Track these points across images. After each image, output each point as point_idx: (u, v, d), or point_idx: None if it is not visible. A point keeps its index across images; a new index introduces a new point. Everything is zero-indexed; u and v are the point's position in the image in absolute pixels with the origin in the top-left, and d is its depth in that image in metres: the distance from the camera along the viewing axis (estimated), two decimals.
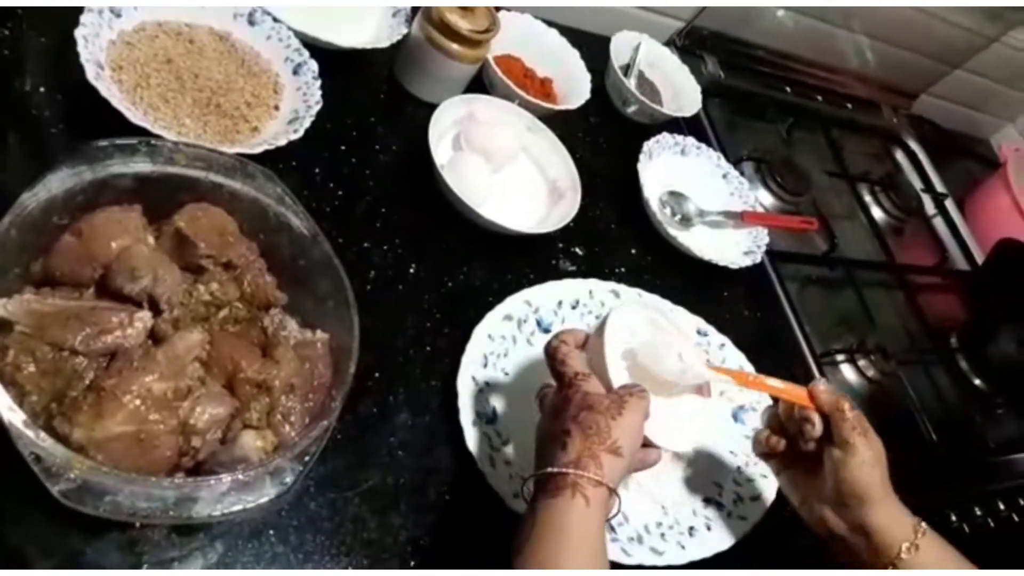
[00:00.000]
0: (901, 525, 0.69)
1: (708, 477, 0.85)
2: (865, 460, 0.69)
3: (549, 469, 0.59)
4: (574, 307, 0.90)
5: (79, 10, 0.72)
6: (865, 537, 0.69)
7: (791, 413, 0.73)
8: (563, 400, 0.64)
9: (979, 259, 1.51)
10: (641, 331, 0.72)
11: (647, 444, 0.65)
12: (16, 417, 0.47)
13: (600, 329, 0.68)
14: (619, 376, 0.66)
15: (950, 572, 0.70)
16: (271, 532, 0.62)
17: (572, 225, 0.94)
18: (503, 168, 0.96)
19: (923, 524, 0.70)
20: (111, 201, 0.60)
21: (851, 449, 0.69)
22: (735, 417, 0.91)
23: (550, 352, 0.68)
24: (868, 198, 1.48)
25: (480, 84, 1.02)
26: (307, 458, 0.55)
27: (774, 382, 0.73)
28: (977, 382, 1.29)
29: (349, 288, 0.64)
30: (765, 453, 0.77)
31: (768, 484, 0.85)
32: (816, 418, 0.70)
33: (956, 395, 1.26)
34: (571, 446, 0.59)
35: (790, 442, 0.74)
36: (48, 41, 0.74)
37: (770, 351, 1.05)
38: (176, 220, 0.62)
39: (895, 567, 0.68)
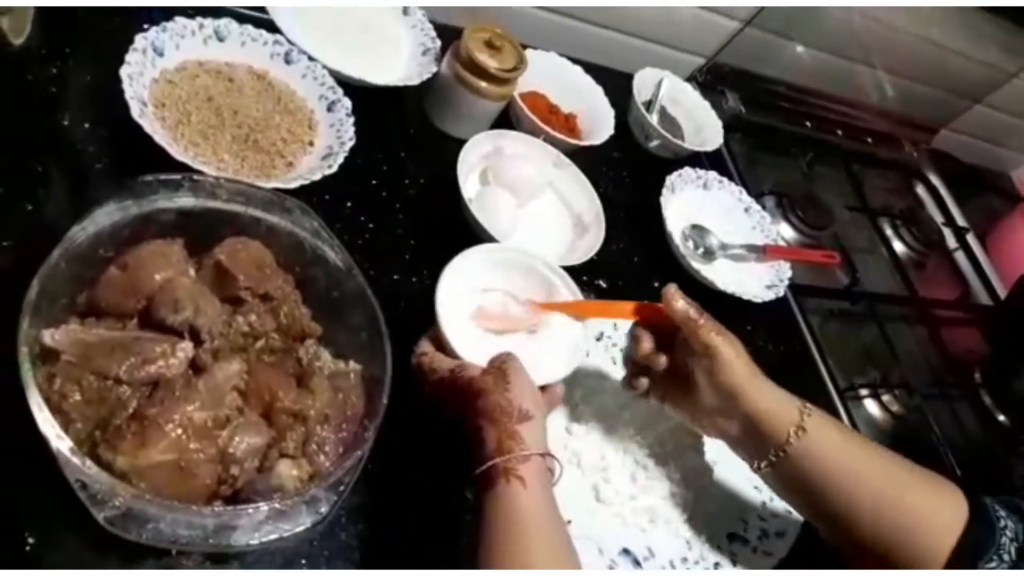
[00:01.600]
0: (785, 410, 0.70)
1: (733, 512, 0.85)
2: (730, 358, 0.70)
3: (477, 470, 0.60)
4: (598, 339, 0.91)
5: (124, 49, 0.74)
6: (756, 430, 0.70)
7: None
8: (456, 399, 0.65)
9: (1001, 293, 1.51)
10: (487, 279, 0.78)
11: (542, 389, 0.68)
12: (64, 445, 0.48)
13: (435, 315, 0.71)
14: (465, 346, 0.70)
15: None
16: (303, 561, 0.63)
17: (596, 258, 0.95)
18: (529, 202, 0.98)
19: (807, 405, 0.71)
20: (155, 235, 0.62)
21: (714, 351, 0.70)
22: None
23: (417, 369, 0.70)
24: (889, 232, 1.48)
25: (507, 120, 1.04)
26: (342, 487, 0.56)
27: (605, 304, 0.78)
28: (1001, 417, 1.28)
29: (382, 319, 0.65)
30: (637, 392, 0.78)
31: (794, 520, 0.85)
32: (644, 335, 0.75)
33: (980, 430, 1.25)
34: (487, 437, 0.61)
35: (652, 371, 0.76)
36: (94, 79, 0.77)
37: (793, 385, 1.05)
38: (216, 253, 0.63)
39: (786, 453, 0.69)
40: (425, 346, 0.71)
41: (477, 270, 0.78)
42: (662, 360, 0.75)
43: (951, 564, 0.64)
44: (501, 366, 0.65)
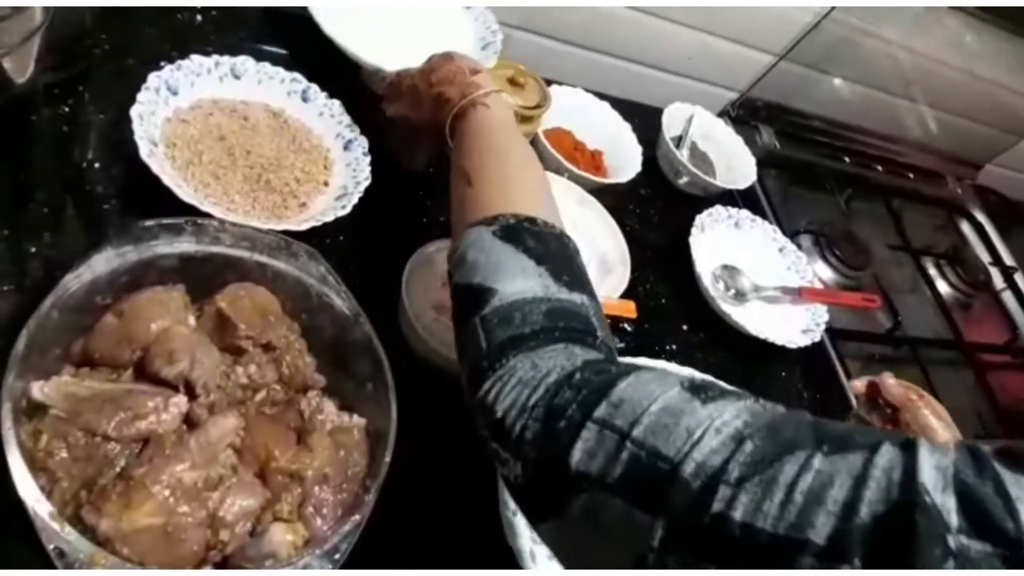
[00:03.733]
0: None
1: None
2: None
3: (450, 115, 0.67)
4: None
5: (138, 87, 0.73)
6: None
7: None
8: (413, 90, 0.74)
9: None
10: None
11: None
12: (42, 509, 0.46)
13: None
14: None
15: None
16: None
17: (621, 300, 0.91)
18: None
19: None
20: (155, 281, 0.60)
21: (933, 434, 0.75)
22: None
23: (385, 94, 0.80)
24: (933, 272, 1.42)
25: None
26: (337, 555, 0.52)
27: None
28: None
29: (388, 370, 0.62)
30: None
31: None
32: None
33: None
34: (450, 94, 0.68)
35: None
36: (106, 117, 0.76)
37: None
38: (218, 300, 0.61)
39: None
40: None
41: None
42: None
43: None
44: (439, 53, 0.74)
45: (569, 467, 0.40)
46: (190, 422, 0.56)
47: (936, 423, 0.76)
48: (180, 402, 0.54)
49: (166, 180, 0.68)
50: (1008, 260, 1.54)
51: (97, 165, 0.73)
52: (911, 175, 1.58)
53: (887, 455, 0.33)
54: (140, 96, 0.72)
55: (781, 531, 0.33)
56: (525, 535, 0.69)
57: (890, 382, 0.80)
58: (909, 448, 0.33)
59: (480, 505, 0.71)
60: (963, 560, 0.30)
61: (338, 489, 0.57)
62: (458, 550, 0.69)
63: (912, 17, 1.30)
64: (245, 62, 0.82)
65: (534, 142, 0.99)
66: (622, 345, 0.94)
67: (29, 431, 0.51)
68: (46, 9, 0.58)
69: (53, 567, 0.46)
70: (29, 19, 0.57)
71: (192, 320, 0.61)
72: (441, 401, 0.77)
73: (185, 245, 0.61)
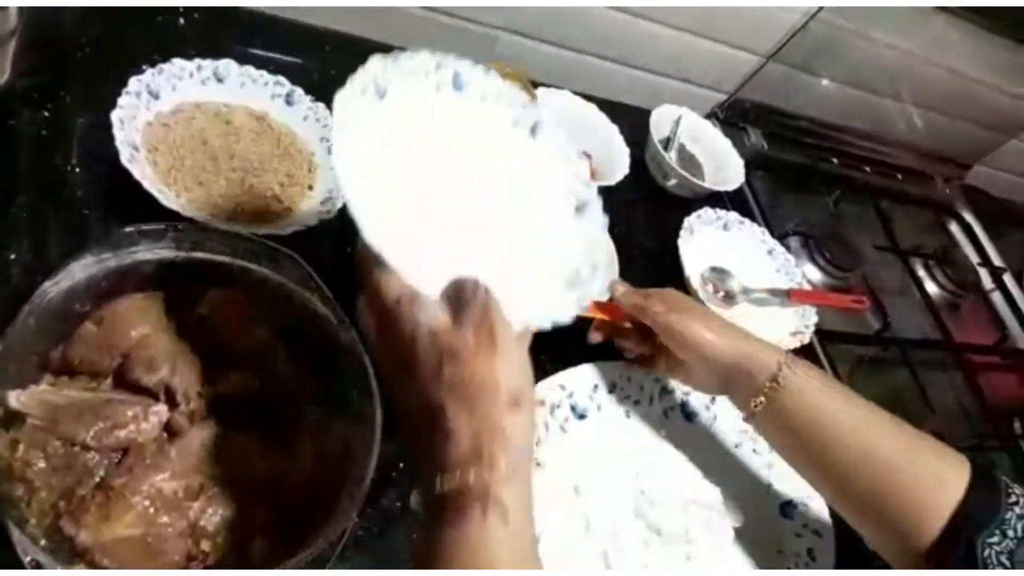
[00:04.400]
0: (762, 358, 0.71)
1: None
2: (687, 325, 0.72)
3: (440, 486, 0.42)
4: (611, 391, 0.86)
5: (118, 91, 0.72)
6: (736, 380, 0.73)
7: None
8: (401, 350, 0.45)
9: None
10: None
11: None
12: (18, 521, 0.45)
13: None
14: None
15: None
16: None
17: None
18: None
19: (789, 354, 0.71)
20: (135, 288, 0.60)
21: (670, 328, 0.73)
22: (784, 513, 0.85)
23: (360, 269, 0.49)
24: (922, 273, 1.42)
25: None
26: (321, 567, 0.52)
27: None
28: None
29: (373, 376, 0.61)
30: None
31: None
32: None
33: (1020, 483, 1.18)
34: (457, 430, 0.42)
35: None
36: (86, 121, 0.75)
37: None
38: (199, 308, 0.60)
39: (767, 399, 0.70)
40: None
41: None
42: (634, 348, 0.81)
43: (946, 530, 0.60)
44: (484, 319, 0.44)
45: None
46: (170, 430, 0.55)
47: (706, 334, 0.71)
48: (160, 411, 0.54)
49: (147, 185, 0.67)
50: (997, 261, 1.54)
51: (77, 170, 0.73)
52: (899, 176, 1.58)
53: None
54: (121, 100, 0.72)
55: None
56: None
57: (620, 290, 0.75)
58: None
59: None
60: None
61: (321, 498, 0.56)
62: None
63: (899, 17, 1.30)
64: (228, 65, 0.82)
65: None
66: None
67: (6, 441, 0.50)
68: (21, 10, 0.57)
69: None
70: (4, 20, 0.56)
71: (173, 327, 0.60)
72: None
73: (165, 251, 0.60)
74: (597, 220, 0.61)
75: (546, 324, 0.51)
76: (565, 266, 0.57)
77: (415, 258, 0.47)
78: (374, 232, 0.44)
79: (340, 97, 0.49)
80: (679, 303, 0.75)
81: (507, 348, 0.45)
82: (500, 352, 0.44)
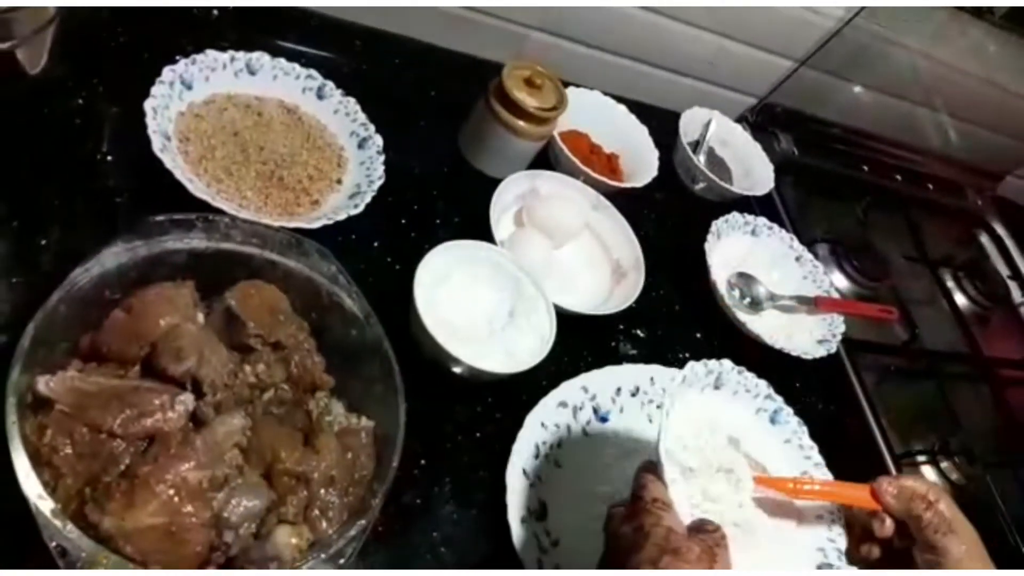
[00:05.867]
0: None
1: None
2: (961, 559, 0.61)
3: None
4: (634, 394, 0.86)
5: (152, 81, 0.73)
6: None
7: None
8: (639, 533, 0.52)
9: None
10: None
11: None
12: (45, 506, 0.45)
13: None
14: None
15: None
16: None
17: (635, 306, 0.90)
18: (564, 245, 0.94)
19: None
20: (164, 276, 0.60)
21: (942, 552, 0.61)
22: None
23: (637, 476, 0.58)
24: (951, 284, 1.40)
25: (545, 159, 1.00)
26: (342, 560, 0.51)
27: (832, 487, 0.66)
28: None
29: (398, 373, 0.61)
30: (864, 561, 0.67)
31: None
32: (886, 519, 0.63)
33: None
34: None
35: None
36: (120, 110, 0.75)
37: (844, 449, 0.97)
38: (227, 298, 0.60)
39: None
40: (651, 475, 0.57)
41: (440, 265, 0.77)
42: (875, 552, 0.65)
43: None
44: (714, 547, 0.52)
45: None
46: (196, 421, 0.55)
47: (946, 542, 0.60)
48: (187, 400, 0.54)
49: (178, 175, 0.68)
50: None
51: (109, 158, 0.73)
52: (930, 186, 1.55)
53: None
54: (154, 90, 0.72)
55: None
56: (532, 543, 0.68)
57: (886, 487, 0.62)
58: None
59: (488, 510, 0.70)
60: None
61: (344, 492, 0.56)
62: (464, 556, 0.68)
63: (935, 25, 1.28)
64: (260, 58, 0.82)
65: (550, 144, 0.98)
66: (634, 352, 0.93)
67: (34, 426, 0.50)
68: None
69: (55, 565, 0.45)
70: (42, 10, 0.56)
71: (201, 317, 0.60)
72: (450, 405, 0.76)
73: (195, 241, 0.60)
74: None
75: None
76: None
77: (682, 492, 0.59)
78: (667, 451, 0.57)
79: (692, 366, 0.64)
80: (961, 522, 0.62)
81: (722, 566, 0.51)
82: (715, 568, 0.50)
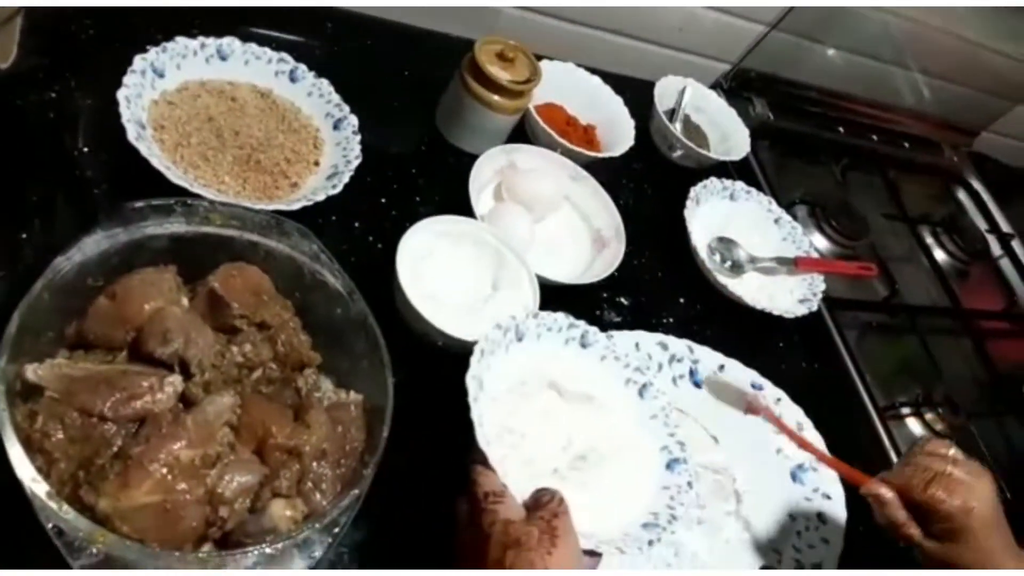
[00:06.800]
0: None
1: (766, 543, 0.80)
2: (973, 529, 0.65)
3: None
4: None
5: (124, 71, 0.73)
6: None
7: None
8: (480, 536, 0.52)
9: None
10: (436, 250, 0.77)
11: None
12: (40, 488, 0.46)
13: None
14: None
15: None
16: None
17: (616, 274, 0.91)
18: (545, 218, 0.94)
19: None
20: (146, 262, 0.60)
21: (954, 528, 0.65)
22: (794, 477, 0.86)
23: (468, 468, 0.58)
24: (930, 240, 1.42)
25: (523, 133, 1.01)
26: (336, 529, 0.52)
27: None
28: None
29: (384, 347, 0.62)
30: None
31: (830, 552, 0.80)
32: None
33: None
34: None
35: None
36: (93, 102, 0.75)
37: (829, 405, 0.99)
38: (210, 280, 0.61)
39: None
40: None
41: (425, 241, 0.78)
42: (914, 533, 0.67)
43: None
44: (552, 520, 0.52)
45: None
46: (186, 401, 0.56)
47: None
48: (175, 381, 0.54)
49: (155, 163, 0.68)
50: (1005, 227, 1.53)
51: (86, 150, 0.73)
52: (906, 144, 1.57)
53: None
54: (126, 79, 0.72)
55: None
56: None
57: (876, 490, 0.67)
58: None
59: None
60: None
61: (336, 464, 0.57)
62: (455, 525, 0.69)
63: None
64: (231, 43, 0.82)
65: (526, 118, 0.99)
66: (619, 320, 0.94)
67: (24, 413, 0.51)
68: None
69: (52, 547, 0.46)
70: (7, 1, 0.56)
71: (185, 300, 0.60)
72: (437, 376, 0.77)
73: (175, 226, 0.61)
74: (683, 475, 0.69)
75: (613, 551, 0.60)
76: (644, 511, 0.66)
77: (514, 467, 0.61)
78: (485, 438, 0.57)
79: (487, 333, 0.64)
80: (973, 496, 0.67)
81: (564, 544, 0.51)
82: (558, 550, 0.50)
